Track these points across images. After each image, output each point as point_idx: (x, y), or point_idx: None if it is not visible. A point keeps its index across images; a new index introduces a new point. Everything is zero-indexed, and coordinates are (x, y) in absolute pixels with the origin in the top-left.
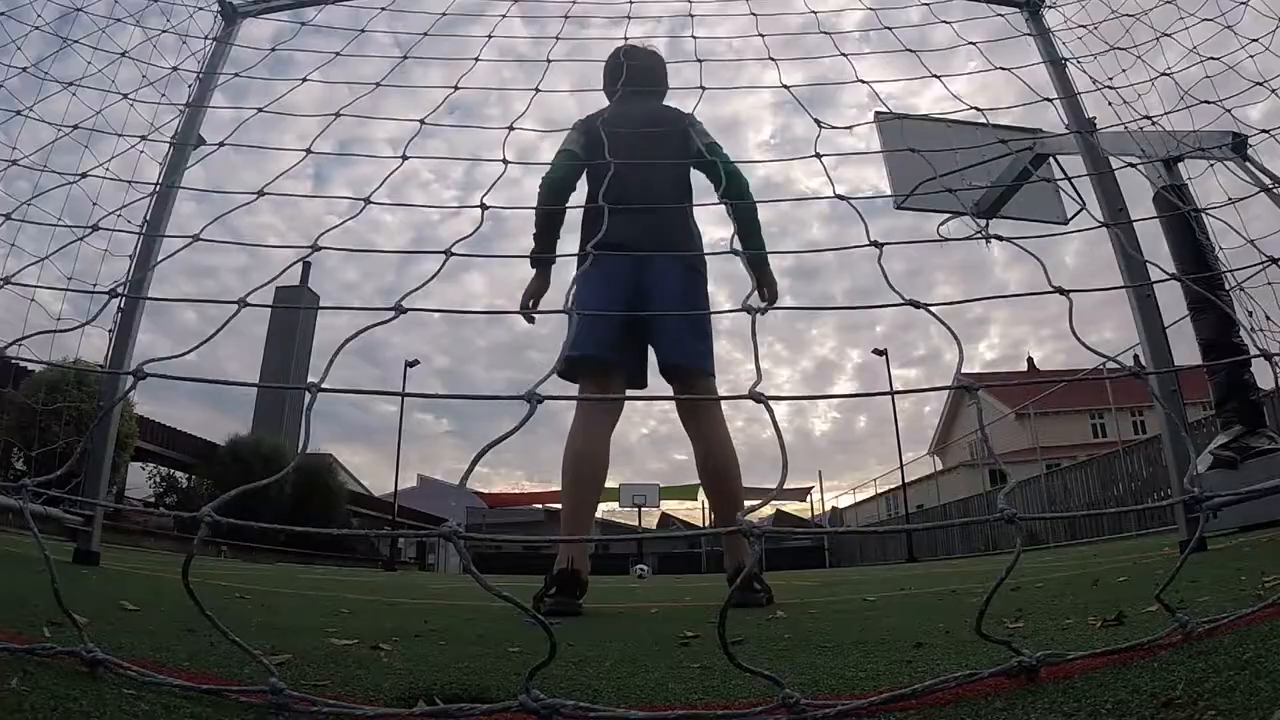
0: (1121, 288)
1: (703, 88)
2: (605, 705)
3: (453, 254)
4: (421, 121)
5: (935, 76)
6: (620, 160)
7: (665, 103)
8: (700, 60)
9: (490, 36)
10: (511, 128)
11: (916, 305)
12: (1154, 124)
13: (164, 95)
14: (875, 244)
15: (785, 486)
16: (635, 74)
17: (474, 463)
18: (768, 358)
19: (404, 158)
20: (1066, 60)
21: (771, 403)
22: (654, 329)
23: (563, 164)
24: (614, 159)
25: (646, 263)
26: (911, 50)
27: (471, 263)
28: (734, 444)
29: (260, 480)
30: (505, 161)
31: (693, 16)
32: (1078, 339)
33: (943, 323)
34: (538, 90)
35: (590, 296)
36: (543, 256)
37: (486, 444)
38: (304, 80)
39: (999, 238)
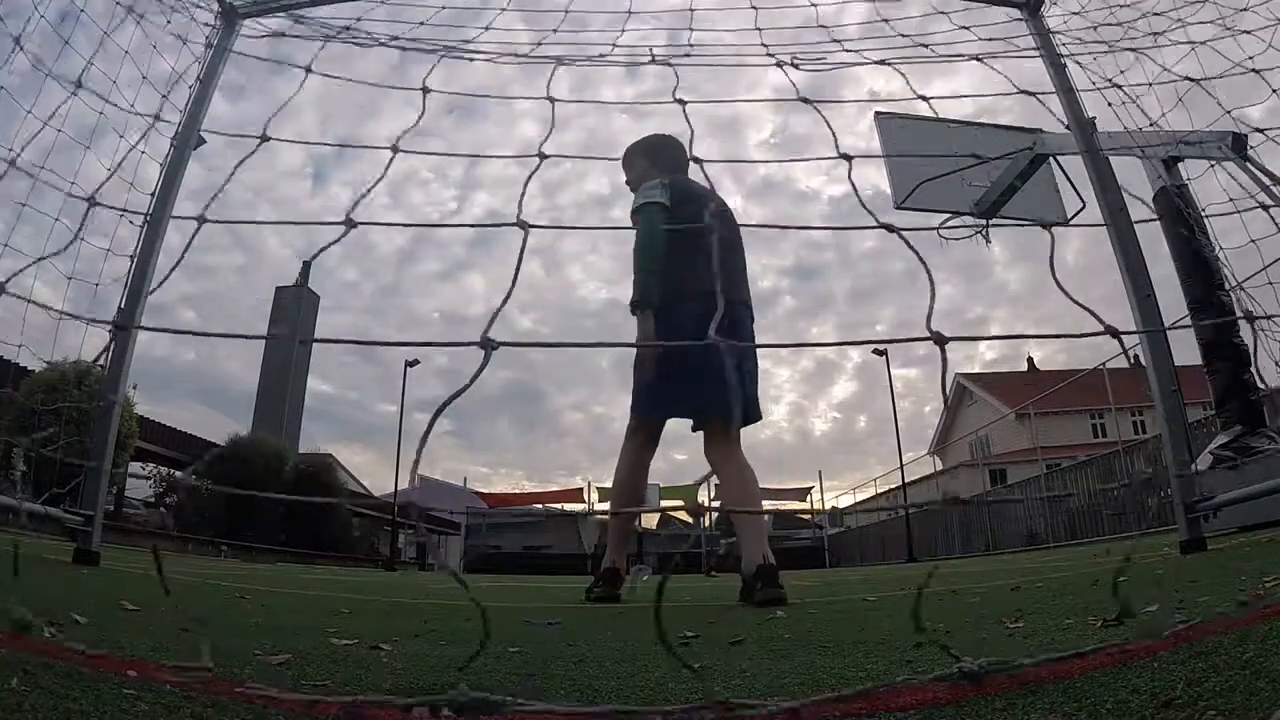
0: (1120, 292)
1: (704, 98)
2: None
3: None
4: (419, 120)
5: (935, 70)
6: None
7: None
8: (699, 59)
9: (487, 27)
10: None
11: (939, 342)
12: (1153, 124)
13: (165, 96)
14: (888, 227)
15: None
16: (677, 153)
17: (432, 421)
18: (768, 356)
19: (395, 150)
20: (1065, 59)
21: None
22: (739, 390)
23: (659, 218)
24: (699, 221)
25: (727, 309)
26: (910, 50)
27: (471, 263)
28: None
29: (264, 484)
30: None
31: (692, 11)
32: (1074, 341)
33: (947, 339)
34: (547, 97)
35: (673, 349)
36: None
37: (449, 397)
38: (306, 73)
39: (1000, 222)
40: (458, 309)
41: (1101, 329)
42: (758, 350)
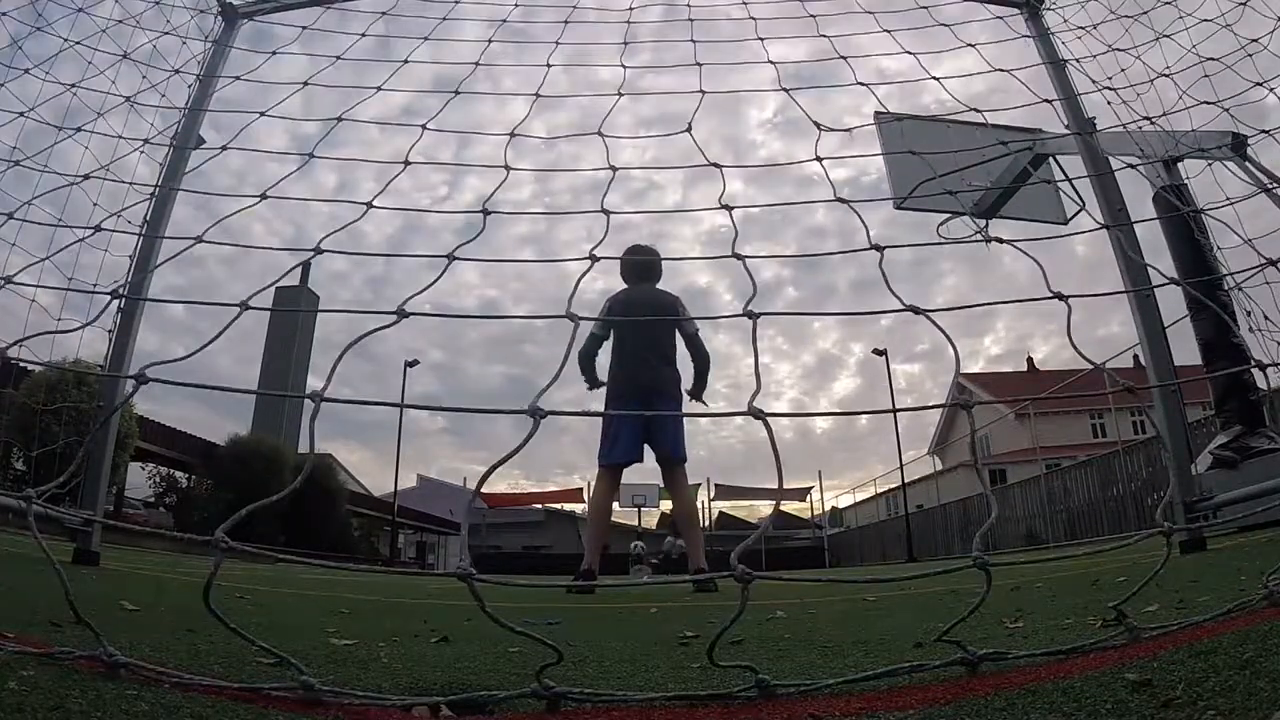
0: (1120, 293)
1: (704, 94)
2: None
3: (455, 258)
4: (424, 127)
5: (935, 69)
6: (630, 321)
7: (661, 286)
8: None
9: (490, 39)
10: (513, 134)
11: (916, 311)
12: (1153, 124)
13: (164, 96)
14: (876, 247)
15: (786, 487)
16: (641, 268)
17: (484, 477)
18: (768, 351)
19: (424, 127)
20: (1066, 61)
21: (771, 402)
22: (655, 436)
23: (591, 343)
24: (628, 330)
25: (654, 398)
26: (910, 52)
27: (463, 251)
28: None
29: (264, 484)
30: (507, 168)
31: (690, 5)
32: (1074, 346)
33: (942, 331)
34: (538, 95)
35: (622, 422)
36: (593, 384)
37: (495, 461)
38: (305, 84)
39: (999, 240)
40: (450, 300)
41: (1120, 387)
42: (680, 418)
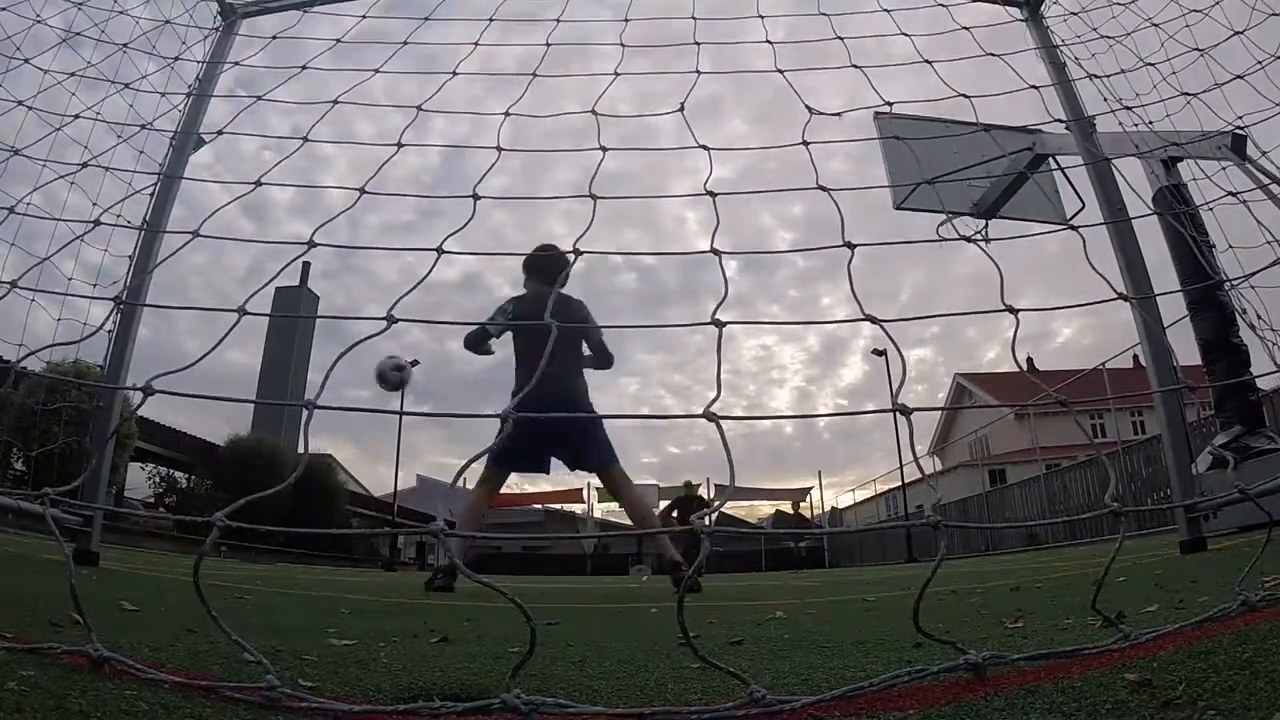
0: (1071, 306)
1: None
2: (601, 704)
3: (444, 251)
4: (419, 108)
5: (927, 61)
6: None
7: (564, 291)
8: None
9: (491, 20)
10: (507, 113)
11: (873, 321)
12: (1152, 124)
13: (163, 95)
14: (848, 244)
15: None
16: (543, 264)
17: (463, 469)
18: (773, 332)
19: (419, 109)
20: (1063, 47)
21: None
22: (579, 450)
23: (479, 333)
24: (529, 340)
25: (557, 410)
26: (907, 33)
27: (435, 210)
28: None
29: (264, 484)
30: (499, 149)
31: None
32: (1015, 359)
33: (892, 340)
34: (535, 74)
35: (523, 428)
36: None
37: (472, 456)
38: (304, 68)
39: (983, 240)
40: (419, 271)
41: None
42: (591, 422)
